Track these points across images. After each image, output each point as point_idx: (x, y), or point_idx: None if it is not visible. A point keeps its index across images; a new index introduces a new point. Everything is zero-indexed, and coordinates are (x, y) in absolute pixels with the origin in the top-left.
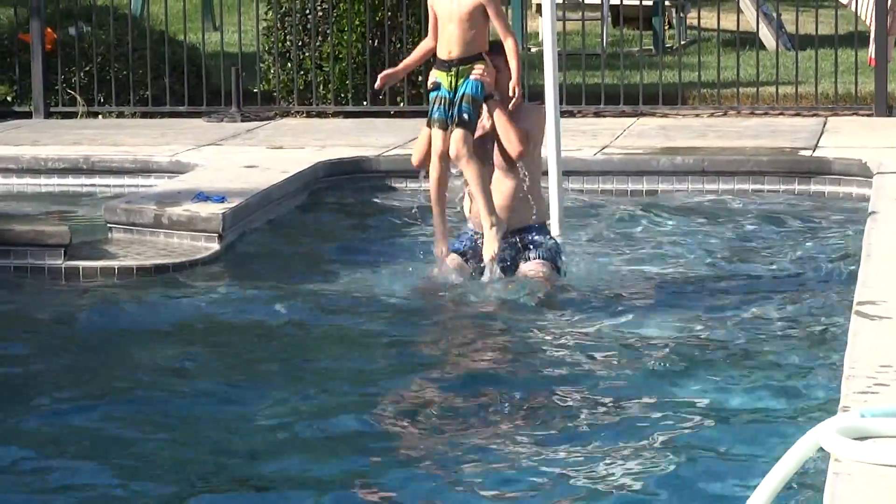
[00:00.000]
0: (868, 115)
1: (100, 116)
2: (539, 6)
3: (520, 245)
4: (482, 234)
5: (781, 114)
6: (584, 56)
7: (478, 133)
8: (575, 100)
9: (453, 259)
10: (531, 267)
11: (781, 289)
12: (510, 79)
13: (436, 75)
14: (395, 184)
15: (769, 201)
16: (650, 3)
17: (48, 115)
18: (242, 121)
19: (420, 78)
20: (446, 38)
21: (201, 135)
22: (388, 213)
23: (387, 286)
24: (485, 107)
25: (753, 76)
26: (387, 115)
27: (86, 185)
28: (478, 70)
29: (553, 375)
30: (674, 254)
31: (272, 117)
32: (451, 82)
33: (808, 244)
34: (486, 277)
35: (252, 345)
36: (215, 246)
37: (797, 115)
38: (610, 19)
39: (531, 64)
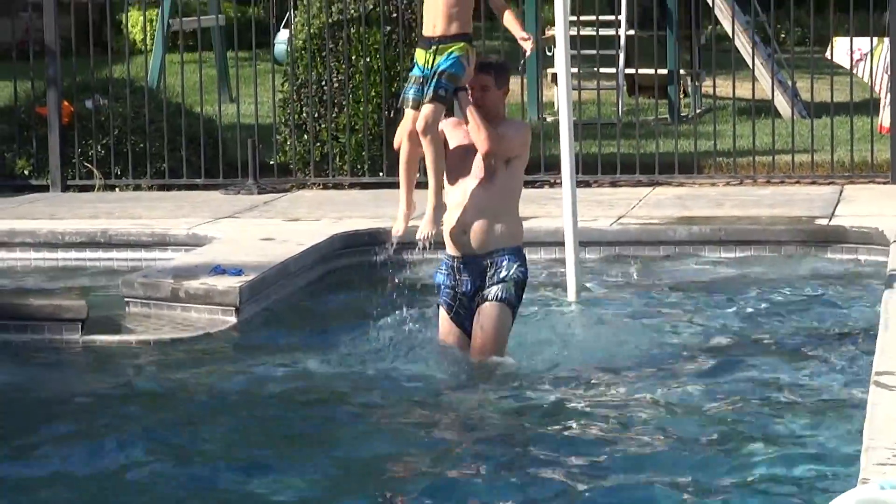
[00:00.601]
0: (885, 183)
1: (117, 189)
2: (555, 76)
3: (487, 270)
4: (460, 257)
5: (798, 182)
6: (599, 125)
7: (460, 142)
8: (591, 169)
9: (451, 331)
10: (481, 320)
11: (798, 358)
12: (500, 98)
13: (417, 55)
14: (412, 256)
15: (786, 270)
16: (665, 72)
17: (65, 188)
18: (259, 193)
19: None
20: (432, 13)
21: (218, 207)
22: (405, 285)
23: (402, 362)
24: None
25: (769, 144)
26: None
27: (103, 259)
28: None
29: (578, 455)
30: (688, 322)
31: (289, 189)
32: (428, 59)
33: (825, 313)
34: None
35: (268, 419)
36: (232, 319)
37: (813, 183)
38: (625, 88)
39: (547, 134)
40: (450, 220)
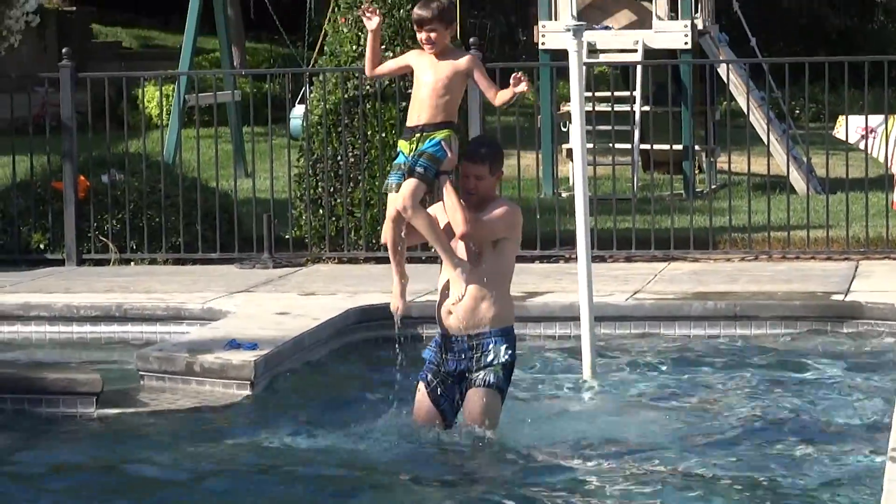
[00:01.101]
0: None
1: (132, 263)
2: (570, 151)
3: (474, 352)
4: (448, 336)
5: (813, 258)
6: (615, 201)
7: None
8: (606, 245)
9: (425, 408)
10: (469, 406)
11: (815, 434)
12: (493, 184)
13: (400, 145)
14: (427, 330)
15: (801, 346)
16: (680, 147)
17: (81, 262)
18: (275, 267)
19: None
20: (417, 104)
21: (233, 281)
22: (420, 360)
23: (414, 438)
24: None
25: (784, 220)
26: (418, 260)
27: (118, 333)
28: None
29: None
30: (702, 399)
31: (304, 263)
32: (412, 147)
33: (840, 389)
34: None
35: (279, 495)
36: (247, 393)
37: (829, 259)
38: (640, 164)
39: (562, 209)
40: (438, 300)
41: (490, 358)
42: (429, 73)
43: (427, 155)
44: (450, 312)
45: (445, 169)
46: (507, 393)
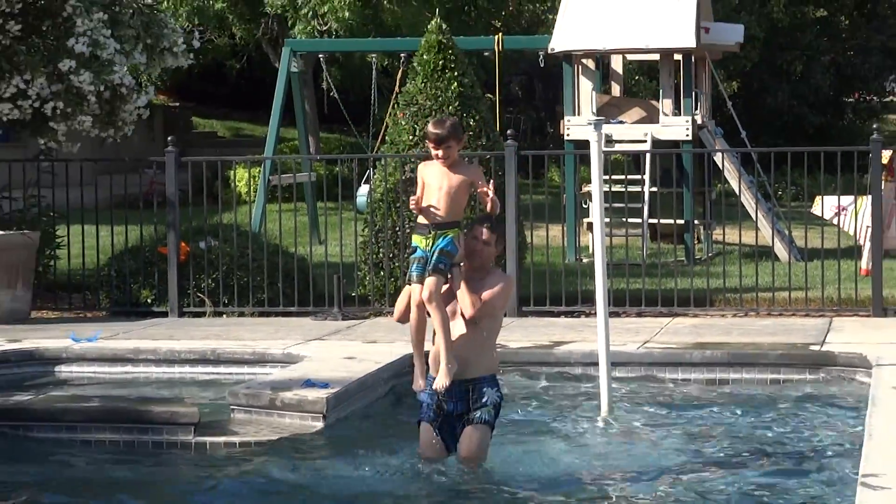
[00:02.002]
0: (867, 316)
1: (224, 316)
2: (590, 224)
3: (471, 394)
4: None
5: (794, 314)
6: (627, 265)
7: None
8: (620, 302)
9: (432, 444)
10: (466, 441)
11: (793, 464)
12: (493, 254)
13: (415, 240)
14: None
15: (784, 388)
16: (682, 221)
17: (181, 314)
18: (343, 319)
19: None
20: (430, 206)
21: (308, 331)
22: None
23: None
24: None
25: (770, 283)
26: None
27: (212, 374)
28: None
29: None
30: (703, 429)
31: (367, 317)
32: (428, 243)
33: (817, 425)
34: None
35: None
36: (320, 424)
37: (807, 315)
38: (649, 235)
39: (583, 272)
40: (433, 351)
41: (484, 399)
42: (441, 182)
43: (444, 252)
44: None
45: (456, 262)
46: (533, 425)
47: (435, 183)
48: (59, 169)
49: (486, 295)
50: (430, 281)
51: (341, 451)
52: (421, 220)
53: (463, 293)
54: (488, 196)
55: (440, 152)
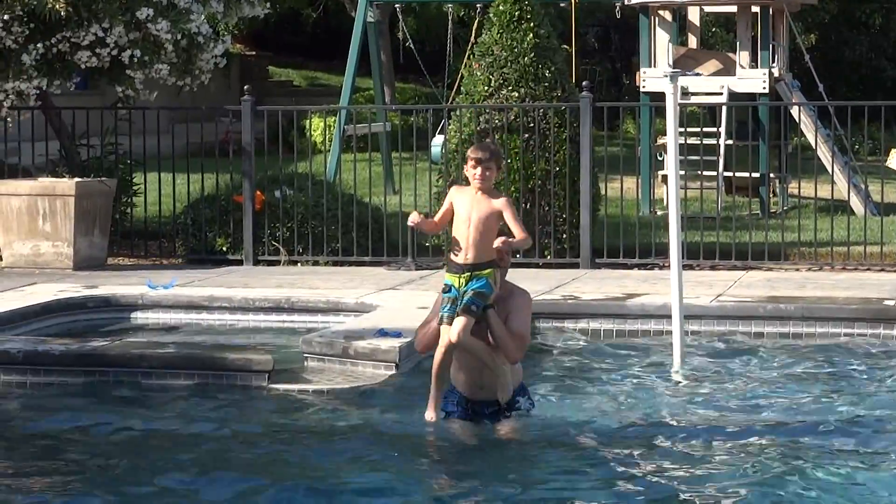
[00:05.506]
0: None
1: (298, 264)
2: (665, 177)
3: (502, 408)
4: (471, 400)
5: (868, 269)
6: (702, 219)
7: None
8: (694, 255)
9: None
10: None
11: (868, 422)
12: (504, 278)
13: (447, 278)
14: (542, 323)
15: (858, 343)
16: (758, 175)
17: (256, 262)
18: (416, 269)
19: (565, 235)
20: (462, 241)
21: (382, 281)
22: (538, 350)
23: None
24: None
25: (845, 237)
26: (536, 266)
27: (286, 322)
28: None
29: None
30: (772, 392)
31: (441, 267)
32: (461, 283)
33: (891, 381)
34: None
35: (415, 456)
36: (392, 373)
37: (882, 270)
38: (724, 188)
39: (657, 225)
40: (464, 377)
41: (517, 406)
42: (471, 211)
43: (479, 294)
44: (481, 388)
45: (490, 303)
46: (605, 376)
47: (464, 212)
48: (137, 117)
49: (519, 328)
50: (460, 322)
51: (413, 401)
52: (453, 257)
53: (504, 337)
54: (518, 228)
55: (478, 171)
